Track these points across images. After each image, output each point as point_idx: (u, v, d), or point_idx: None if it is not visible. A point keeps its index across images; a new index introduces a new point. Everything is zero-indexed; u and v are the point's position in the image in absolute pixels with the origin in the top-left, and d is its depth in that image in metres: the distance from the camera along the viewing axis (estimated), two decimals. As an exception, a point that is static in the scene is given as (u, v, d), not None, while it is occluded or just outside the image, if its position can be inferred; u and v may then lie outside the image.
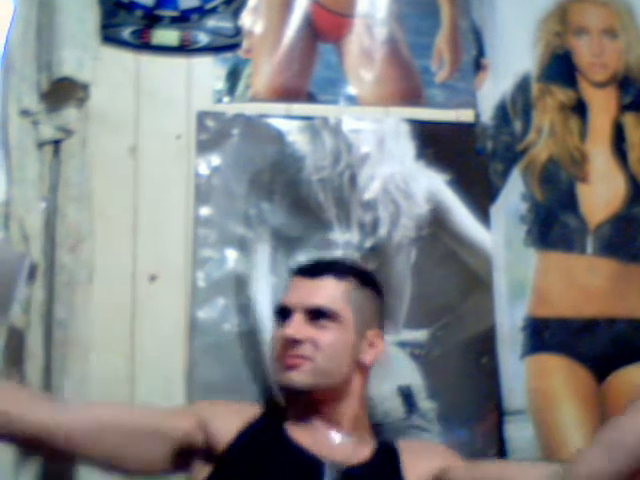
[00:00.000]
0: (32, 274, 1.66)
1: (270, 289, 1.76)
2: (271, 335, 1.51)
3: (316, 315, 1.40)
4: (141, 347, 1.73)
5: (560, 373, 1.87)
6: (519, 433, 1.83)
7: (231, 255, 1.78)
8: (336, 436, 1.41)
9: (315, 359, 1.38)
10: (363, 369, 1.45)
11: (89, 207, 1.72)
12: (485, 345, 1.84)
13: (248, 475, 1.35)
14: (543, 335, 1.87)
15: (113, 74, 1.79)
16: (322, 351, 1.38)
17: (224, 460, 1.36)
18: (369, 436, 1.46)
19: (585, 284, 1.90)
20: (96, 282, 1.72)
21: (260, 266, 1.78)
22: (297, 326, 1.39)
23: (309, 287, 1.43)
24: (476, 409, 1.81)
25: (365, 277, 1.50)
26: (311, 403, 1.41)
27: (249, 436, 1.38)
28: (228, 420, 1.40)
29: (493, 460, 1.62)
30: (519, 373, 1.84)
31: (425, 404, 1.78)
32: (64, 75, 1.67)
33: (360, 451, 1.41)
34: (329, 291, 1.43)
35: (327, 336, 1.40)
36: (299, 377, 1.38)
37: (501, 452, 1.81)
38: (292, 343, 1.38)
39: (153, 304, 1.75)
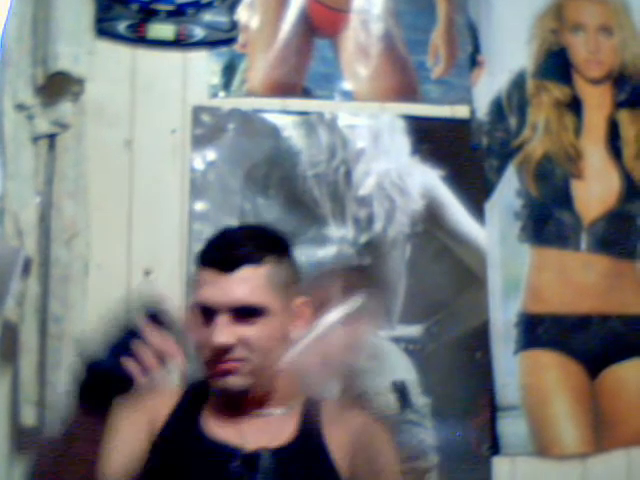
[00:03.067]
0: (26, 268, 1.66)
1: (265, 284, 1.76)
2: (190, 333, 1.31)
3: (242, 313, 1.29)
4: (136, 342, 1.72)
5: (553, 369, 1.87)
6: (512, 428, 1.84)
7: (226, 250, 1.77)
8: (260, 418, 1.33)
9: (249, 359, 1.29)
10: (292, 343, 1.34)
11: (84, 201, 1.72)
12: (479, 341, 1.84)
13: (164, 475, 1.29)
14: (537, 331, 1.87)
15: (108, 68, 1.78)
16: (255, 350, 1.29)
17: (149, 458, 1.30)
18: (296, 401, 1.37)
19: (579, 281, 1.91)
20: (91, 276, 1.72)
21: (255, 261, 1.78)
22: (225, 330, 1.28)
23: (228, 283, 1.29)
24: (470, 404, 1.82)
25: (277, 245, 1.36)
26: (245, 398, 1.33)
27: (167, 431, 1.31)
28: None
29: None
30: (512, 369, 1.85)
31: (419, 399, 1.79)
32: (59, 69, 1.67)
33: (284, 428, 1.34)
34: (250, 284, 1.30)
35: (257, 333, 1.29)
36: (236, 381, 1.30)
37: (494, 447, 1.82)
38: (220, 348, 1.28)
39: (148, 299, 1.75)
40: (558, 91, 1.95)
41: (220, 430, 1.33)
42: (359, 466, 1.31)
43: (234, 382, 1.29)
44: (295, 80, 1.87)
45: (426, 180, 1.86)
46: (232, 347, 1.28)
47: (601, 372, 1.89)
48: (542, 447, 1.85)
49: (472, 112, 1.92)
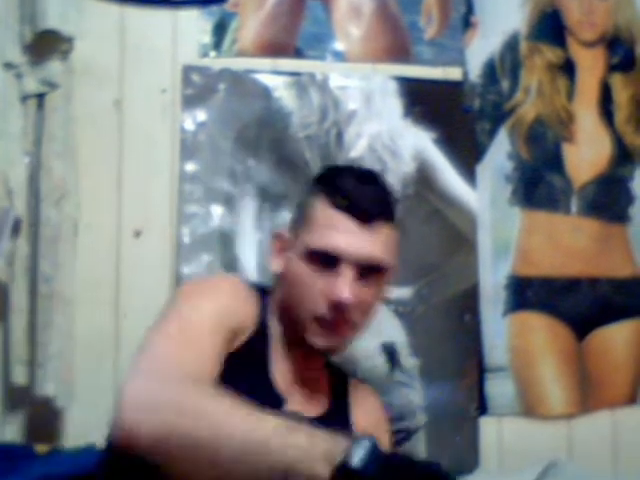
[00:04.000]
0: (16, 228, 1.66)
1: (255, 246, 1.76)
2: (300, 278, 1.20)
3: (368, 270, 1.19)
4: (126, 303, 1.73)
5: (541, 331, 1.89)
6: (500, 389, 1.85)
7: (216, 211, 1.77)
8: (309, 380, 1.26)
9: (360, 325, 1.21)
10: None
11: (73, 162, 1.70)
12: (468, 303, 1.85)
13: None
14: (526, 293, 1.88)
15: (97, 26, 1.76)
16: (367, 314, 1.21)
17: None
18: (325, 366, 1.32)
19: (568, 244, 1.91)
20: (81, 237, 1.72)
21: (245, 223, 1.78)
22: (351, 287, 1.17)
23: (364, 236, 1.18)
24: (458, 366, 1.84)
25: (395, 206, 1.27)
26: (319, 359, 1.26)
27: (238, 359, 1.19)
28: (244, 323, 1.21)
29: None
30: (501, 331, 1.87)
31: (408, 361, 1.80)
32: (48, 27, 1.65)
33: (320, 397, 1.28)
34: (385, 241, 1.20)
35: (374, 295, 1.21)
36: (339, 344, 1.22)
37: (482, 407, 1.84)
38: (342, 305, 1.17)
39: (138, 260, 1.75)
40: (551, 53, 1.94)
41: (282, 381, 1.23)
42: None
43: (339, 344, 1.20)
44: (286, 40, 1.85)
45: (418, 142, 1.86)
46: (352, 306, 1.18)
47: (588, 334, 1.91)
48: (529, 408, 1.87)
49: (465, 74, 1.91)
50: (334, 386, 1.31)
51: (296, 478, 0.90)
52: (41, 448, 1.60)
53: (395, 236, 1.24)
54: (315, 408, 1.26)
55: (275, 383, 1.21)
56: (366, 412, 1.31)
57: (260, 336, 1.21)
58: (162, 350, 1.07)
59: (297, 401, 1.24)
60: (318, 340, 1.20)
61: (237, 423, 0.94)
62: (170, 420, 0.95)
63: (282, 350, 1.25)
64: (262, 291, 1.28)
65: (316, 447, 0.90)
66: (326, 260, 1.18)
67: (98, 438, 1.53)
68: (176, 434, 0.94)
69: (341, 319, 1.18)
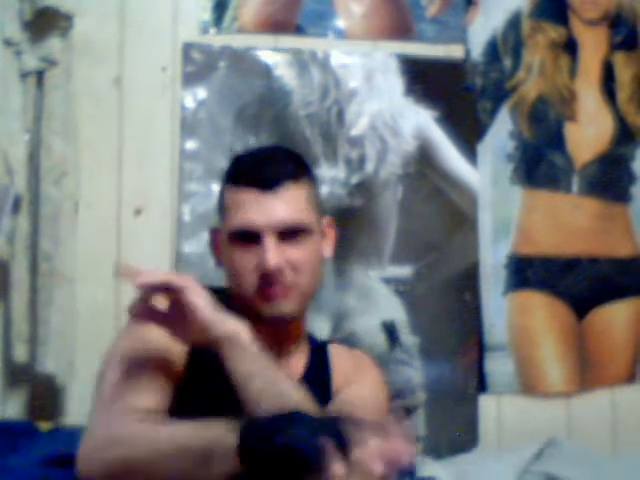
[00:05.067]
0: (16, 206, 1.66)
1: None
2: (234, 262, 1.27)
3: (287, 233, 1.25)
4: (126, 280, 1.73)
5: (541, 310, 1.89)
6: (499, 368, 1.86)
7: (217, 189, 1.76)
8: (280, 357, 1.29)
9: (298, 284, 1.26)
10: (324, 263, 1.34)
11: (74, 139, 1.70)
12: (468, 282, 1.86)
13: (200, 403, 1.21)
14: (526, 272, 1.89)
15: (97, 3, 1.75)
16: (303, 273, 1.26)
17: (180, 389, 1.23)
18: (304, 335, 1.35)
19: (569, 223, 1.91)
20: (81, 214, 1.72)
21: (246, 201, 1.77)
22: (275, 253, 1.23)
23: (273, 202, 1.24)
24: (458, 344, 1.84)
25: (306, 164, 1.33)
26: (284, 330, 1.30)
27: (197, 362, 1.25)
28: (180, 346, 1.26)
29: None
30: (501, 309, 1.87)
31: (408, 339, 1.81)
32: (47, 4, 1.64)
33: (295, 364, 1.31)
34: (295, 202, 1.25)
35: (304, 254, 1.26)
36: (287, 306, 1.25)
37: (481, 385, 1.85)
38: (272, 272, 1.24)
39: (138, 237, 1.75)
40: (554, 32, 1.93)
41: None
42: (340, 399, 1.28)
43: (286, 307, 1.25)
44: (287, 17, 1.83)
45: (419, 121, 1.85)
46: (282, 271, 1.24)
47: (588, 313, 1.91)
48: (528, 386, 1.88)
49: (467, 52, 1.90)
50: (312, 355, 1.34)
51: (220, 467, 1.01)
52: (44, 426, 1.61)
53: (308, 192, 1.29)
54: (296, 364, 1.30)
55: None
56: (343, 375, 1.32)
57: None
58: (110, 387, 1.21)
59: None
60: (266, 310, 1.26)
61: (171, 440, 1.07)
62: (120, 453, 1.08)
63: None
64: (220, 292, 1.33)
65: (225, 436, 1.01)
66: (248, 237, 1.25)
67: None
68: (127, 465, 1.08)
69: (278, 284, 1.25)
